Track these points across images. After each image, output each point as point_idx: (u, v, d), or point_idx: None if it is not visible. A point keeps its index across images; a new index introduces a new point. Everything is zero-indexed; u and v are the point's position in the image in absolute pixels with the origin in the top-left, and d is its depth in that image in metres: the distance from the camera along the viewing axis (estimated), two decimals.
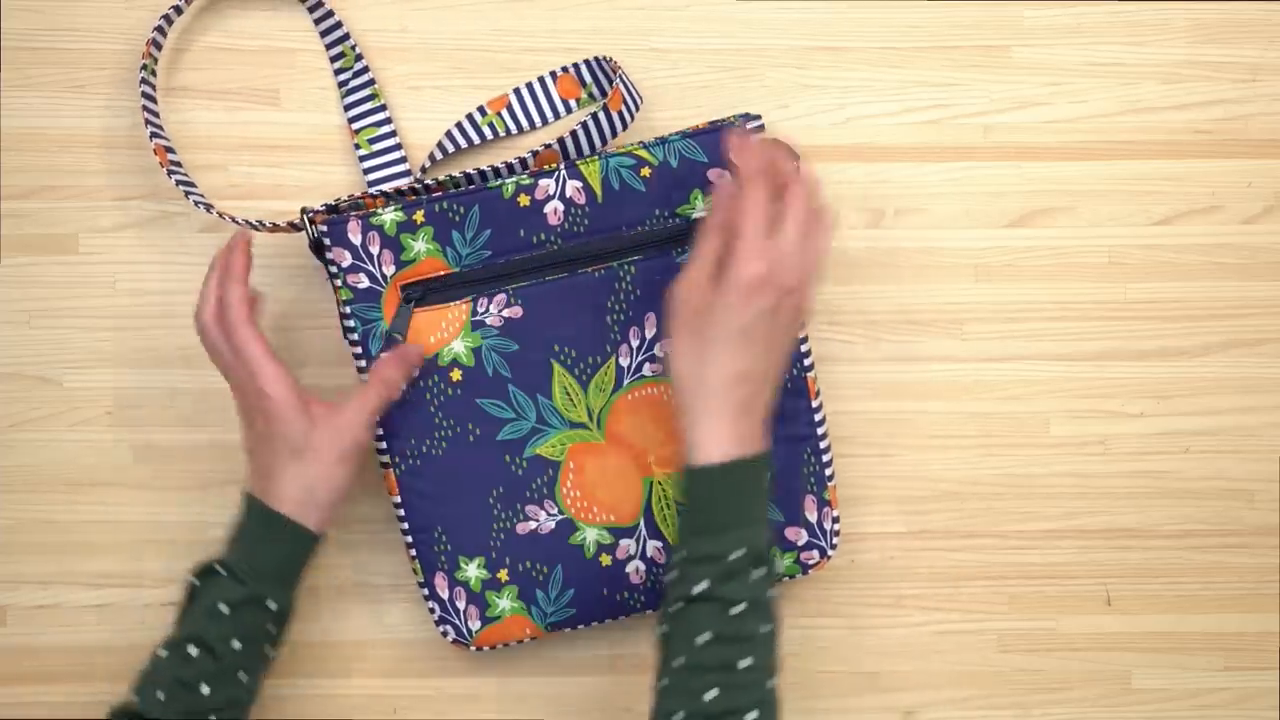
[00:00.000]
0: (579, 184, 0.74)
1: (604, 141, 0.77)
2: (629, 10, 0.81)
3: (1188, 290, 0.82)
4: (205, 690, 0.67)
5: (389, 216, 0.74)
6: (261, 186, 0.81)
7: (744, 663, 0.64)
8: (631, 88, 0.78)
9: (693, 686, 0.64)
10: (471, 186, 0.75)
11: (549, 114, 0.81)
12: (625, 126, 0.77)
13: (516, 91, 0.80)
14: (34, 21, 0.80)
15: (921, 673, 0.84)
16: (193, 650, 0.67)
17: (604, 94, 0.80)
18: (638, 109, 0.78)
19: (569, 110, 0.81)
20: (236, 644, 0.68)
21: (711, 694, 0.63)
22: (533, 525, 0.77)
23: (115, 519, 0.81)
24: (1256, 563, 0.84)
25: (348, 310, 0.74)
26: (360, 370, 0.75)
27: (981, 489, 0.83)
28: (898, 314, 0.82)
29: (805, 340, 0.77)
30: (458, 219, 0.74)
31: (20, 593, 0.82)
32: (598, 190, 0.75)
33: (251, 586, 0.69)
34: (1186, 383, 0.83)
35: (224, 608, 0.68)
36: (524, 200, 0.74)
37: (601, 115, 0.76)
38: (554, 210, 0.75)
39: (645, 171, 0.75)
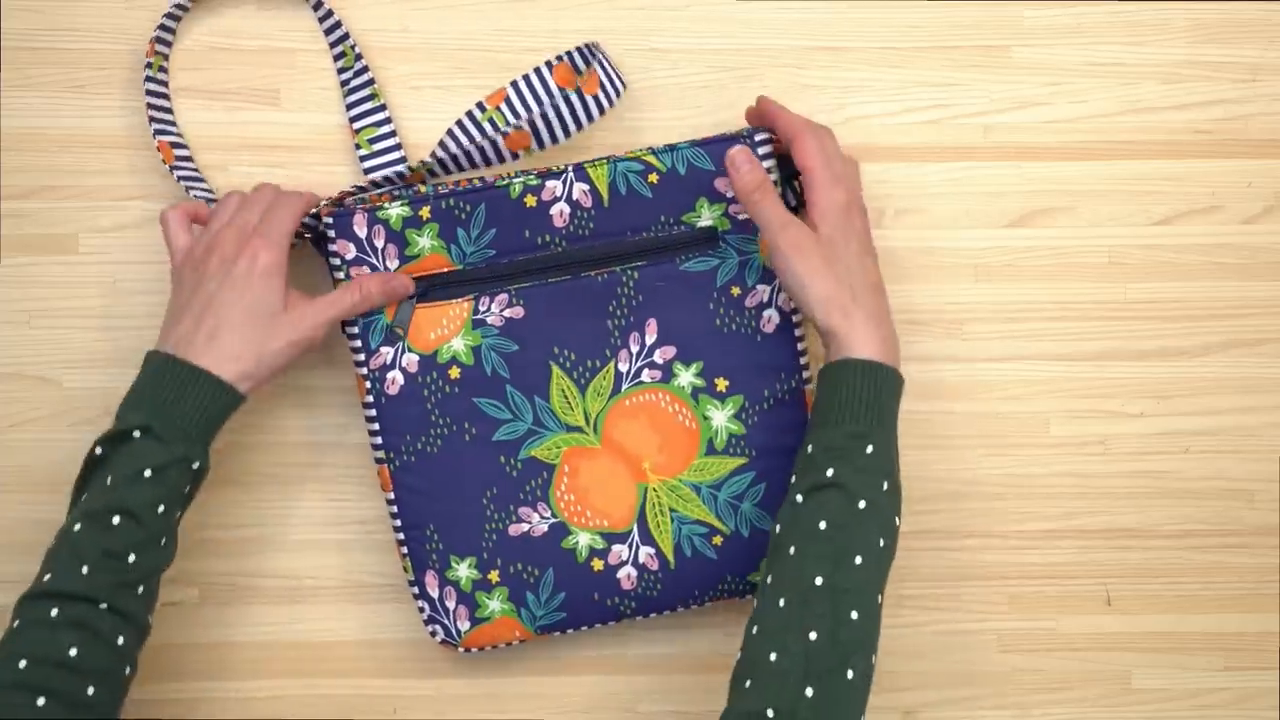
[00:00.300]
0: (586, 187, 0.74)
1: (579, 126, 0.76)
2: (629, 10, 0.81)
3: (1188, 290, 0.82)
4: (133, 558, 0.66)
5: (395, 211, 0.74)
6: None
7: (857, 559, 0.65)
8: (612, 73, 0.77)
9: (804, 574, 0.64)
10: (479, 184, 0.75)
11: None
12: (602, 111, 0.76)
13: (514, 85, 0.80)
14: (34, 21, 0.80)
15: (921, 673, 0.84)
16: (116, 519, 0.66)
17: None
18: (618, 95, 0.77)
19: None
20: (161, 508, 0.67)
21: (818, 579, 0.64)
22: (525, 527, 0.77)
23: None
24: (1256, 563, 0.84)
25: None
26: (358, 364, 0.75)
27: (981, 489, 0.83)
28: (898, 314, 0.81)
29: (804, 354, 0.77)
30: (464, 217, 0.74)
31: (19, 593, 0.81)
32: (604, 194, 0.75)
33: (176, 448, 0.67)
34: (1186, 383, 0.83)
35: (147, 472, 0.66)
36: (530, 201, 0.74)
37: (574, 97, 0.75)
38: (560, 212, 0.75)
39: (653, 178, 0.75)
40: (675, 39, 0.81)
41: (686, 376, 0.76)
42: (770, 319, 0.77)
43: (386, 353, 0.76)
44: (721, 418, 0.77)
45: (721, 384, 0.76)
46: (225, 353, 0.69)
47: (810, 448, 0.69)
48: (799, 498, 0.67)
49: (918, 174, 0.82)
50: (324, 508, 0.82)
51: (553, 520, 0.77)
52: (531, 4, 0.81)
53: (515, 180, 0.74)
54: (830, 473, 0.67)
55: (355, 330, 0.75)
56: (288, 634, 0.82)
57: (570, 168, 0.74)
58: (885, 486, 0.67)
